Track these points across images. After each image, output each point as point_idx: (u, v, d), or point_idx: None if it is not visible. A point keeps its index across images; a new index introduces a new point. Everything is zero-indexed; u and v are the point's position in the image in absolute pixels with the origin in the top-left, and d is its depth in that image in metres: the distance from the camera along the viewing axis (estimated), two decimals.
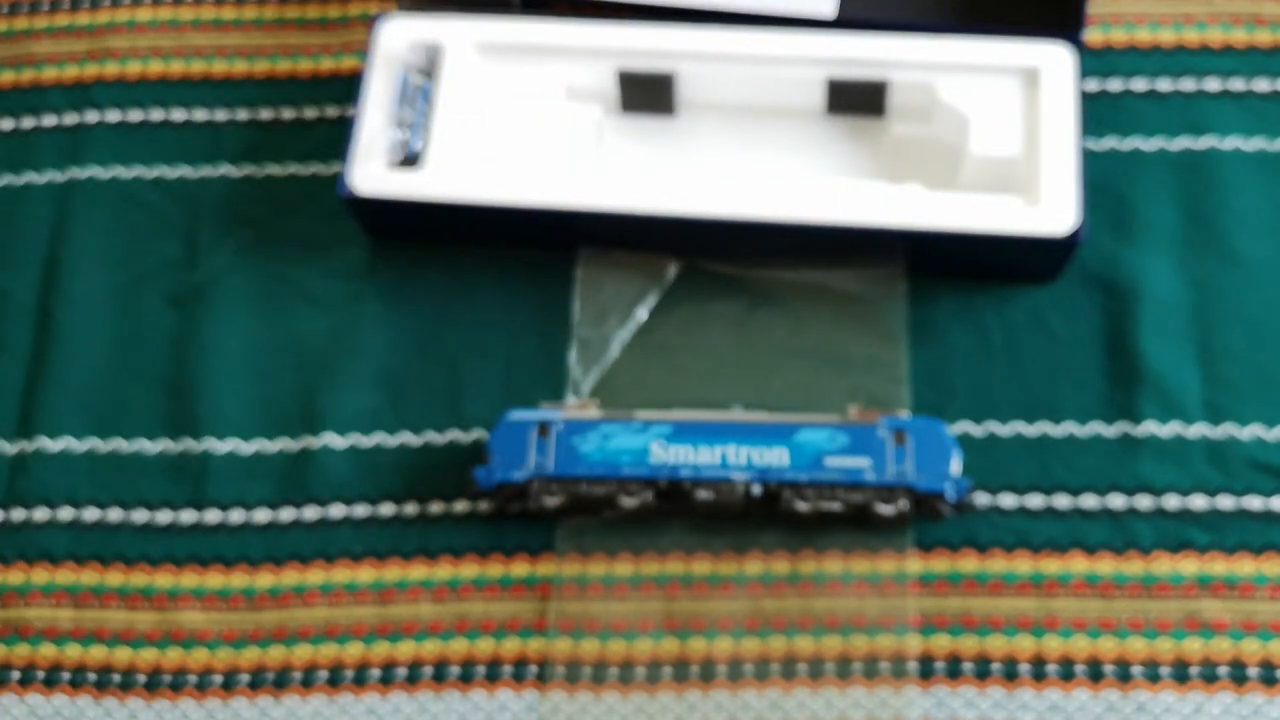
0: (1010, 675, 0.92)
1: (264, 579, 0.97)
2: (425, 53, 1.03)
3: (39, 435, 1.02)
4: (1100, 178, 1.04)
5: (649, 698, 0.93)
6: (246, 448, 1.00)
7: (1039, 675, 0.92)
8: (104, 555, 0.99)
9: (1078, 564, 0.95)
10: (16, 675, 0.96)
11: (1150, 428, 0.97)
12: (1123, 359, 0.99)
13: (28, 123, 1.12)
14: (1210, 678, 0.91)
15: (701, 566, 0.96)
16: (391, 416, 1.00)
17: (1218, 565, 0.94)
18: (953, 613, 0.94)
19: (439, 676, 0.94)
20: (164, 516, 0.99)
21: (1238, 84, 1.07)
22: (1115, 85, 1.08)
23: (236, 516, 0.99)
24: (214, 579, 0.98)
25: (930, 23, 1.07)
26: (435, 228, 1.03)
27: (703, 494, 0.93)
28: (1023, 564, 0.95)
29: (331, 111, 1.10)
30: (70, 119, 1.12)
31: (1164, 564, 0.94)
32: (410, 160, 1.01)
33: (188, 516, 0.99)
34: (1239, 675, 0.91)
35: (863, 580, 0.95)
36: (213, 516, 0.99)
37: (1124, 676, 0.92)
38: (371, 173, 1.00)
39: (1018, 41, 1.01)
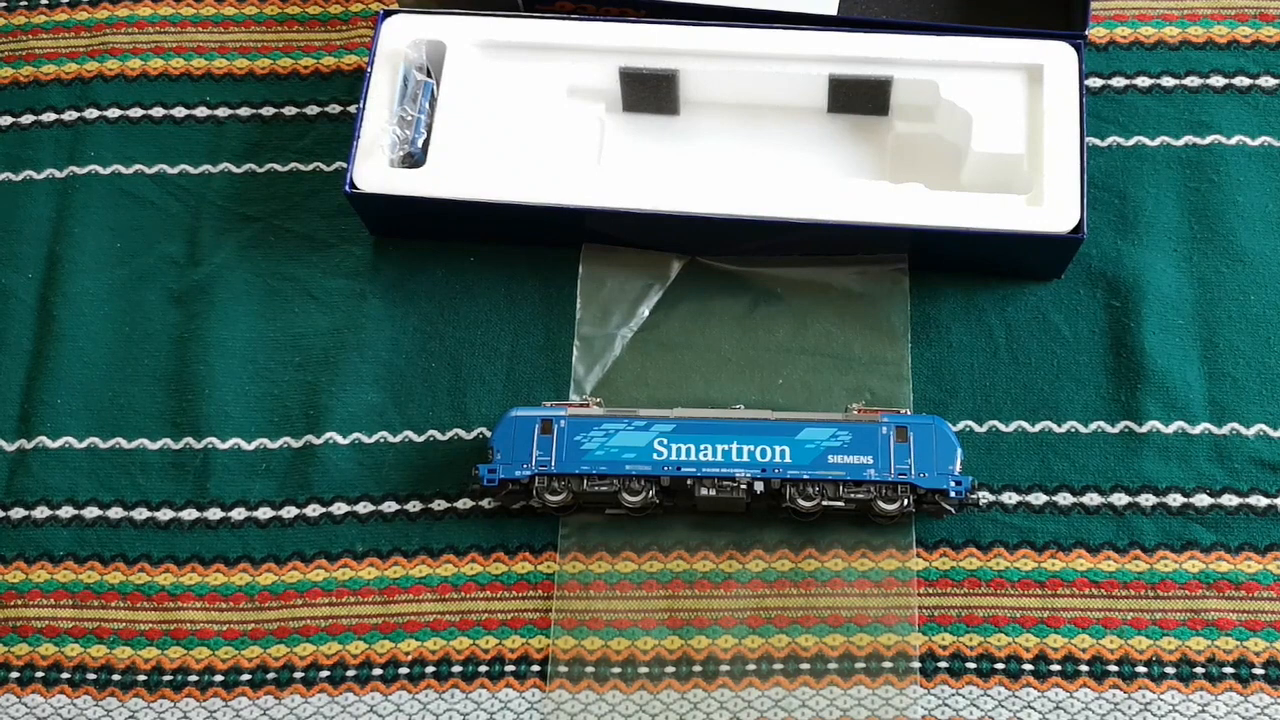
0: (1013, 673, 0.92)
1: (266, 577, 0.97)
2: (427, 50, 1.03)
3: (40, 433, 1.02)
4: (1104, 175, 1.04)
5: (651, 695, 0.93)
6: (249, 445, 1.00)
7: (1042, 673, 0.92)
8: (105, 553, 0.99)
9: (1081, 562, 0.95)
10: (15, 674, 0.96)
11: (1154, 425, 0.97)
12: (1126, 357, 0.99)
13: (27, 119, 1.12)
14: (1215, 677, 0.91)
15: (704, 564, 0.96)
16: (394, 414, 1.00)
17: (1222, 564, 0.94)
18: (956, 610, 0.94)
19: (441, 674, 0.94)
20: (165, 514, 0.99)
21: (1242, 80, 1.07)
22: (1119, 82, 1.08)
23: (239, 514, 0.99)
24: (216, 577, 0.97)
25: (933, 20, 1.07)
26: (438, 225, 1.03)
27: (705, 491, 0.93)
28: (1026, 562, 0.95)
29: (333, 109, 1.10)
30: (70, 115, 1.12)
31: (1168, 562, 0.94)
32: (412, 158, 1.01)
33: (189, 514, 0.99)
34: (1244, 674, 0.91)
35: (865, 578, 0.95)
36: (215, 514, 0.99)
37: (1128, 675, 0.92)
38: (374, 170, 1.00)
39: (1021, 38, 1.01)
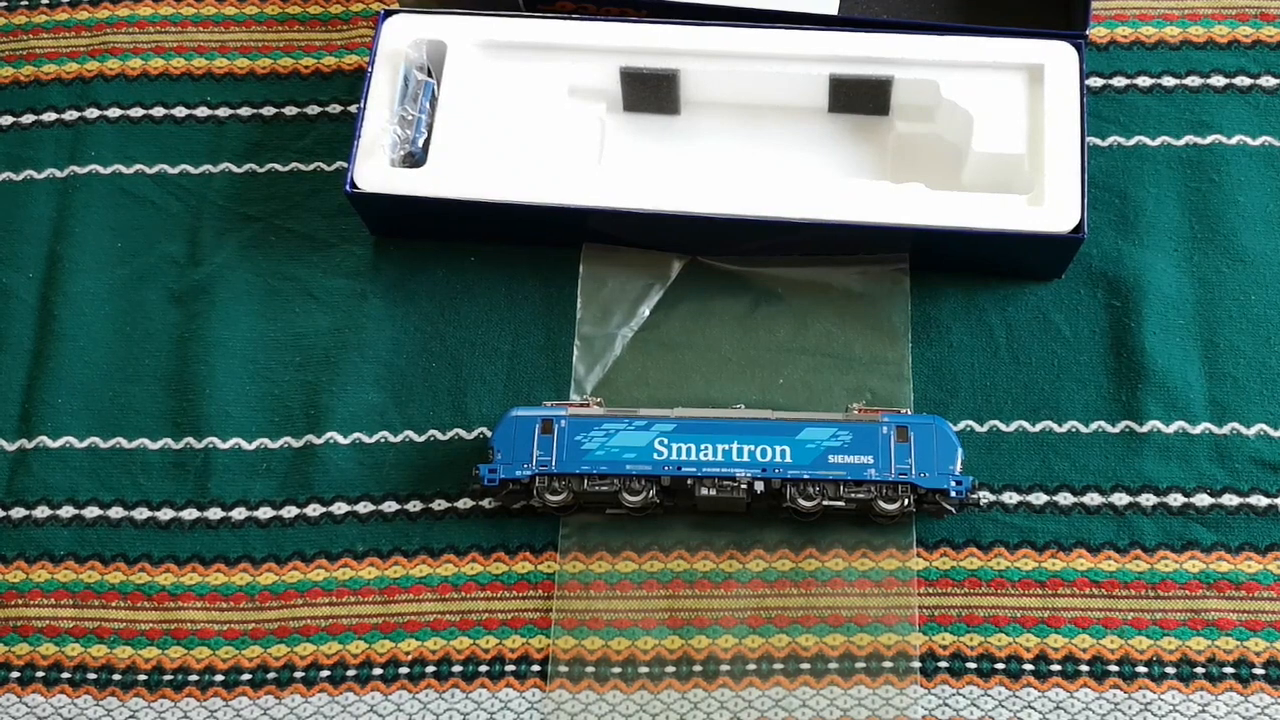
0: (1014, 673, 0.92)
1: (266, 576, 0.97)
2: (428, 50, 1.03)
3: (40, 433, 1.02)
4: (1104, 175, 1.04)
5: (652, 695, 0.93)
6: (249, 445, 1.00)
7: (1043, 673, 0.92)
8: (105, 553, 0.99)
9: (1081, 562, 0.95)
10: (16, 674, 0.96)
11: (1154, 425, 0.97)
12: (1127, 356, 0.99)
13: (28, 119, 1.12)
14: (1215, 677, 0.91)
15: (704, 564, 0.96)
16: (395, 414, 1.00)
17: (1223, 563, 0.94)
18: (956, 610, 0.94)
19: (442, 674, 0.94)
20: (166, 514, 0.99)
21: (1243, 80, 1.07)
22: (1120, 82, 1.08)
23: (239, 514, 0.99)
24: (216, 577, 0.97)
25: (934, 20, 1.07)
26: (438, 225, 1.03)
27: (706, 491, 0.93)
28: (1026, 561, 0.95)
29: (334, 108, 1.10)
30: (71, 115, 1.12)
31: (1168, 562, 0.94)
32: (413, 158, 1.01)
33: (190, 514, 0.99)
34: (1244, 674, 0.91)
35: (866, 577, 0.95)
36: (215, 514, 0.99)
37: (1128, 675, 0.92)
38: (375, 170, 1.00)
39: (1022, 38, 1.01)
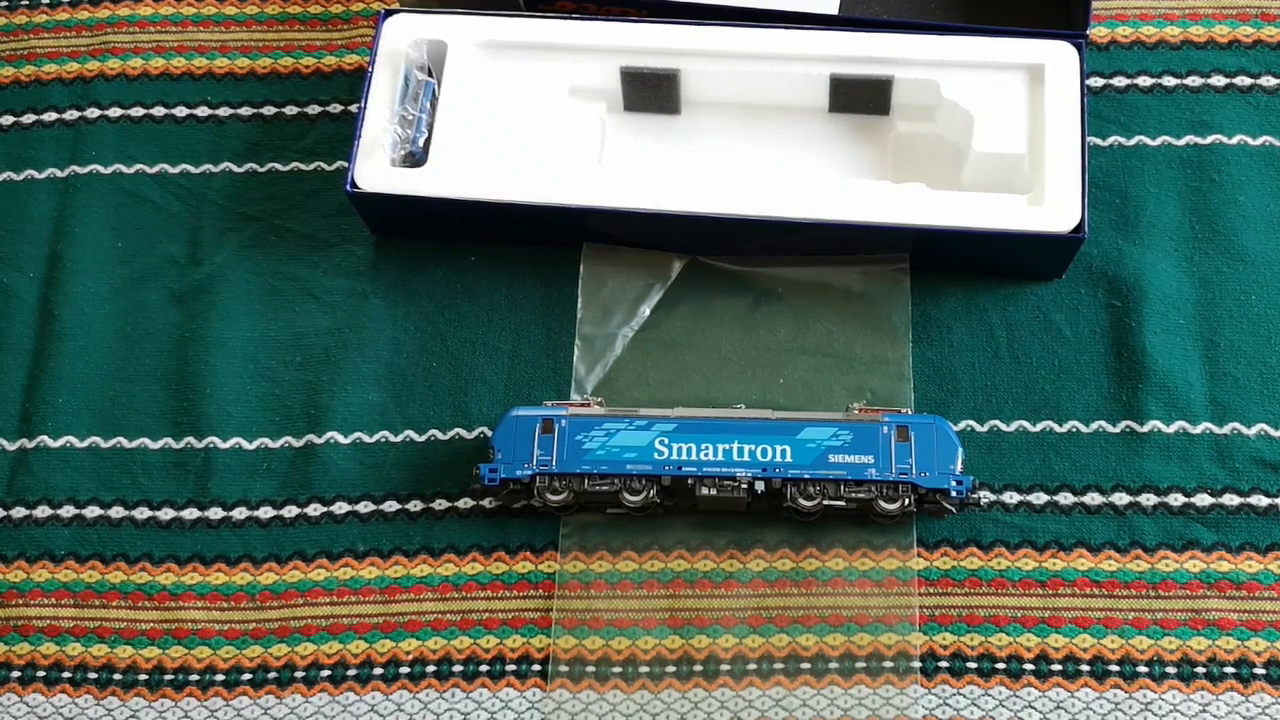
0: (1014, 673, 0.92)
1: (267, 576, 0.97)
2: (429, 50, 1.03)
3: (41, 432, 1.02)
4: (1105, 175, 1.04)
5: (652, 695, 0.93)
6: (250, 445, 1.00)
7: (1043, 673, 0.92)
8: (106, 553, 0.99)
9: (1082, 561, 0.95)
10: (17, 674, 0.96)
11: (1155, 425, 0.97)
12: (1127, 356, 0.99)
13: (29, 119, 1.12)
14: (1216, 676, 0.91)
15: (705, 563, 0.96)
16: (395, 413, 1.00)
17: (1223, 563, 0.94)
18: (957, 610, 0.94)
19: (442, 674, 0.94)
20: (167, 514, 0.99)
21: (1244, 80, 1.07)
22: (1120, 81, 1.08)
23: (240, 513, 0.99)
24: (217, 576, 0.97)
25: (934, 20, 1.07)
26: (439, 225, 1.03)
27: (706, 491, 0.93)
28: (1027, 561, 0.95)
29: (335, 108, 1.10)
30: (72, 115, 1.12)
31: (1169, 562, 0.94)
32: (413, 157, 1.01)
33: (191, 514, 0.99)
34: (1245, 674, 0.91)
35: (866, 577, 0.95)
36: (216, 514, 0.99)
37: (1129, 675, 0.92)
38: (375, 169, 1.00)
39: (1022, 38, 1.01)
